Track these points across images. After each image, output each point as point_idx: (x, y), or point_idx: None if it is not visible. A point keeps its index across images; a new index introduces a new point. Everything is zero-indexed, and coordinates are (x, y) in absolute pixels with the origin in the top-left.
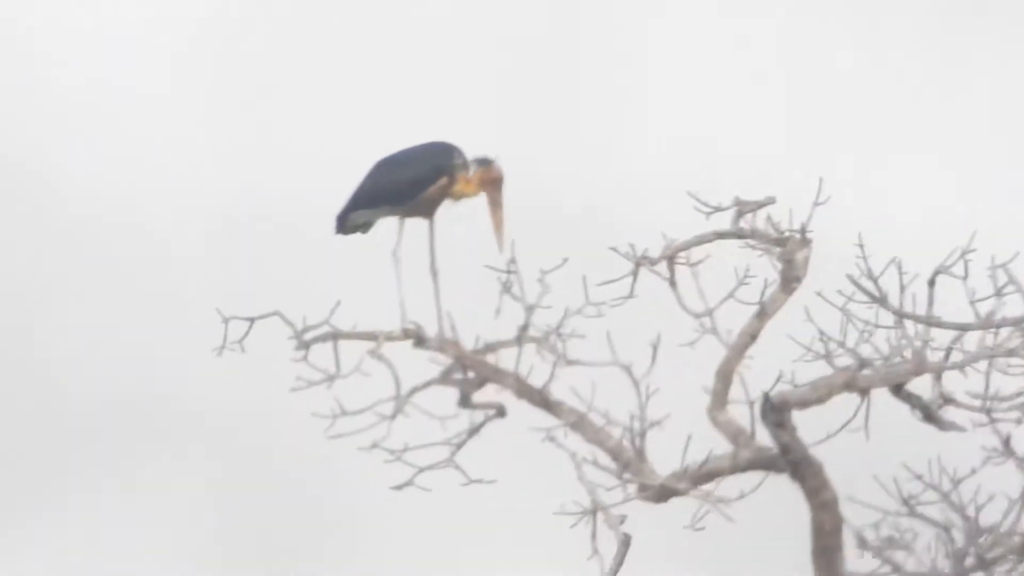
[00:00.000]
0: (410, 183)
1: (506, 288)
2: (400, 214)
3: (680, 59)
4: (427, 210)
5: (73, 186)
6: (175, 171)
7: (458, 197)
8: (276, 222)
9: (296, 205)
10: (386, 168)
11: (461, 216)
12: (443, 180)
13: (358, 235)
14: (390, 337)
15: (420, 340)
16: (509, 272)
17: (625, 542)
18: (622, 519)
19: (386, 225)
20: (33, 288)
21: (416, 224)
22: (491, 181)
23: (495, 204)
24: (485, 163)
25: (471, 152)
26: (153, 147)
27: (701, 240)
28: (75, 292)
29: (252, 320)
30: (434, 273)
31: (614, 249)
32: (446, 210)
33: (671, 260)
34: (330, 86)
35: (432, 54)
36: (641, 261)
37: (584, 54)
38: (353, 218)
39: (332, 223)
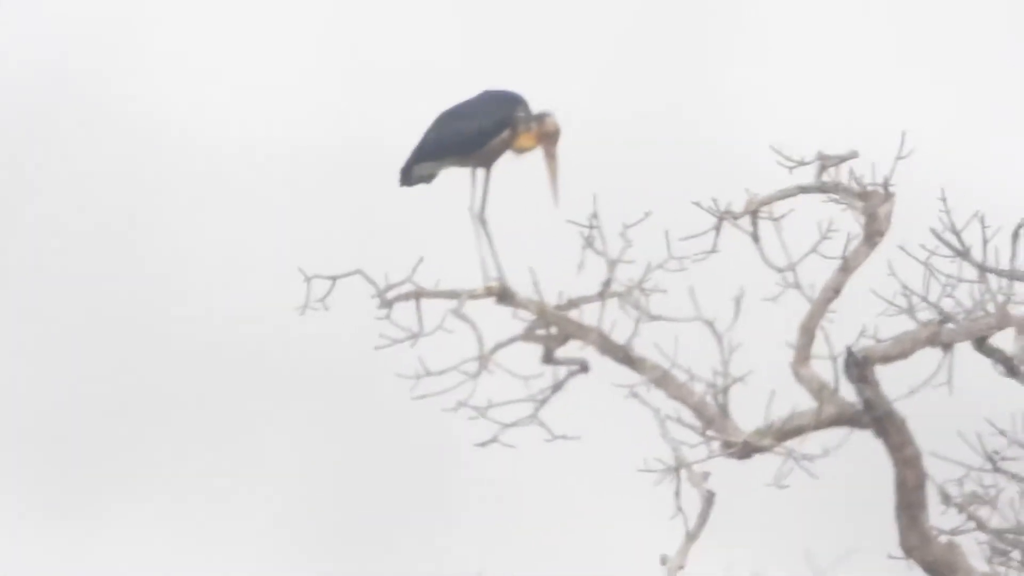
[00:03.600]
0: (474, 134)
1: (588, 243)
2: (463, 165)
3: (767, 12)
4: (489, 161)
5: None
6: (257, 126)
7: (521, 151)
8: (358, 177)
9: (379, 159)
10: (450, 119)
11: (542, 174)
12: (506, 132)
13: (435, 191)
14: (473, 295)
15: (503, 297)
16: (591, 227)
17: (708, 499)
18: (705, 476)
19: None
20: (135, 230)
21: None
22: (547, 135)
23: (550, 157)
24: (541, 117)
25: (537, 102)
26: (245, 99)
27: (784, 194)
28: (165, 248)
29: (334, 279)
30: (483, 221)
31: (697, 204)
32: (529, 165)
33: (754, 214)
34: (428, 42)
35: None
36: (724, 215)
37: (671, 6)
38: (417, 170)
39: (396, 176)
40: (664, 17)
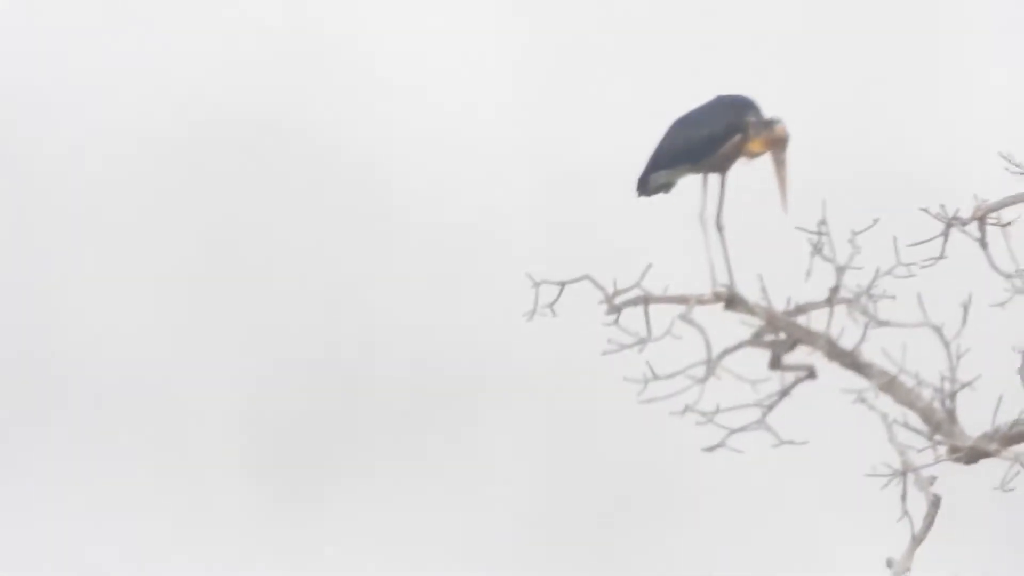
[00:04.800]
0: (705, 141)
1: (817, 249)
2: (698, 172)
3: (994, 16)
4: (722, 166)
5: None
6: (481, 134)
7: (751, 155)
8: (586, 186)
9: (605, 167)
10: (681, 127)
11: (771, 180)
12: (737, 137)
13: (663, 196)
14: (701, 300)
15: (731, 303)
16: (820, 233)
17: (935, 503)
18: (932, 480)
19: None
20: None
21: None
22: (775, 141)
23: (779, 163)
24: (771, 123)
25: (767, 109)
26: (465, 114)
27: (1013, 200)
28: (388, 259)
29: (563, 284)
30: (719, 227)
31: (925, 210)
32: (759, 170)
33: (982, 220)
34: (631, 46)
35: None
36: (952, 222)
37: (895, 8)
38: (654, 179)
39: (634, 186)
40: (888, 26)
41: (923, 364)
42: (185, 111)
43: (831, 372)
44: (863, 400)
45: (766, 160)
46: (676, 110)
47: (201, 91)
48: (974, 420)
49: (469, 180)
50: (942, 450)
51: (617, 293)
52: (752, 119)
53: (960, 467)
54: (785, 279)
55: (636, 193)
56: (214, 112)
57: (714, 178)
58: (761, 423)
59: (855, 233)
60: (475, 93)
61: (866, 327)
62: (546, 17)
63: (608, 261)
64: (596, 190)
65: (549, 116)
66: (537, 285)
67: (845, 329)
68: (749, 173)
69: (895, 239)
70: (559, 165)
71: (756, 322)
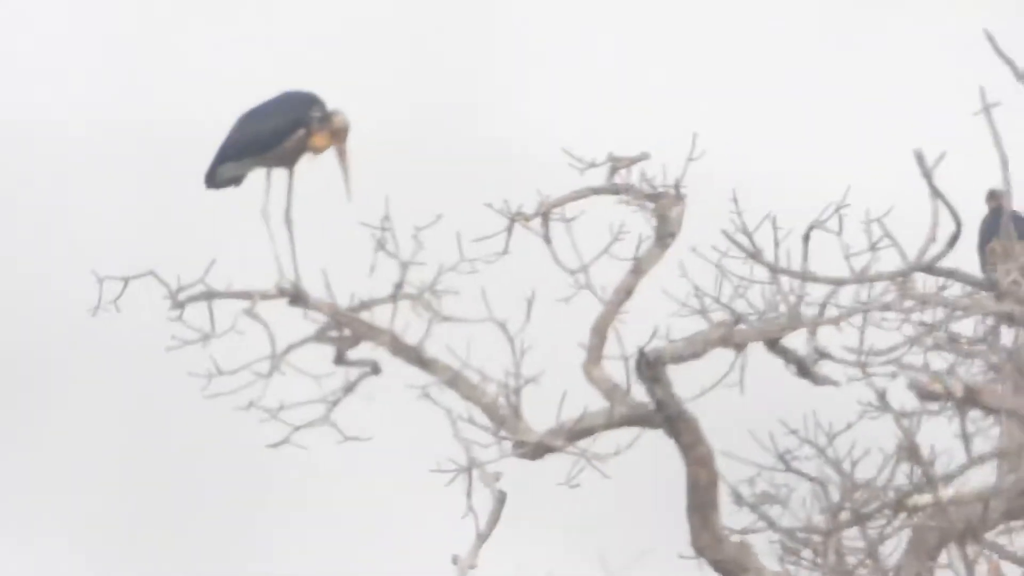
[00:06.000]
0: (269, 134)
1: (380, 245)
2: (264, 165)
3: (556, 14)
4: (289, 161)
5: None
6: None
7: (316, 150)
8: (152, 176)
9: (172, 158)
10: (247, 121)
11: (336, 173)
12: (301, 132)
13: (227, 190)
14: (265, 296)
15: (295, 298)
16: (383, 229)
17: (500, 499)
18: (497, 476)
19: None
20: None
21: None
22: (336, 132)
23: (341, 153)
24: (331, 115)
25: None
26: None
27: (576, 196)
28: None
29: (127, 280)
30: (288, 222)
31: (488, 205)
32: (325, 167)
33: (545, 216)
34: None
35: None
36: (515, 217)
37: (463, 9)
38: (221, 171)
39: (202, 178)
40: (455, 19)
41: (488, 360)
42: None
43: (396, 368)
44: (428, 396)
45: (331, 154)
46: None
47: None
48: (539, 415)
49: (39, 171)
50: (507, 446)
51: (181, 289)
52: (316, 114)
53: (526, 462)
54: (349, 275)
55: (204, 185)
56: None
57: (282, 173)
58: (326, 419)
59: (419, 229)
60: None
61: (430, 322)
62: None
63: (174, 257)
64: (167, 181)
65: (123, 104)
66: (101, 280)
67: (409, 325)
68: (314, 169)
69: (459, 235)
70: (128, 151)
71: (321, 318)
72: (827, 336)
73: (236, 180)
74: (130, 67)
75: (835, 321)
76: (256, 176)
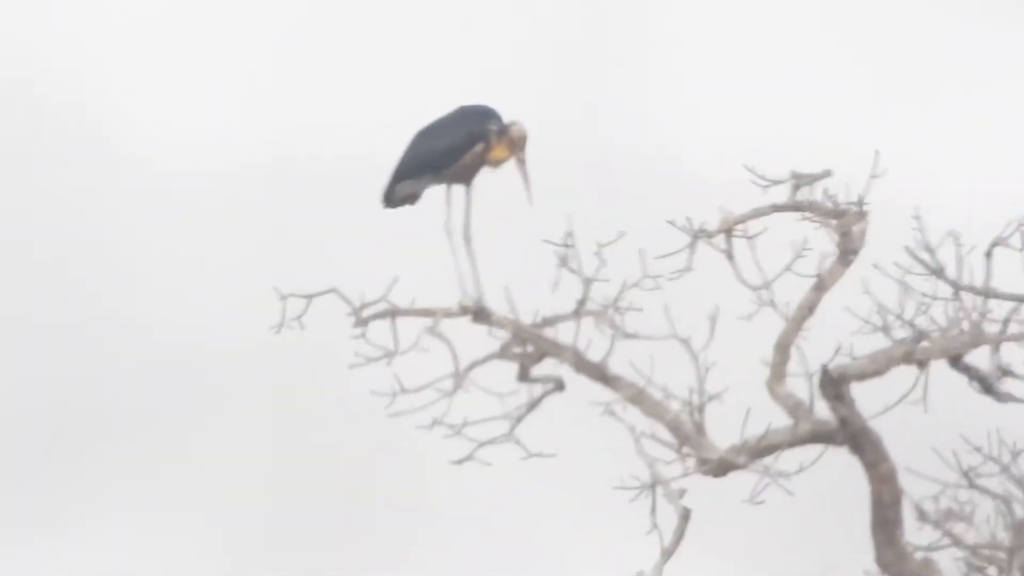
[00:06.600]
0: (446, 151)
1: (563, 262)
2: (442, 182)
3: (735, 31)
4: (466, 177)
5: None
6: (220, 139)
7: (495, 163)
8: (334, 198)
9: (352, 178)
10: (423, 138)
11: (516, 187)
12: (479, 146)
13: (410, 208)
14: (448, 313)
15: (478, 315)
16: (566, 246)
17: (684, 516)
18: (681, 493)
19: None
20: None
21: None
22: (515, 142)
23: (520, 162)
24: (508, 127)
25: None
26: (200, 115)
27: (758, 213)
28: (134, 271)
29: (310, 298)
30: (467, 239)
31: (671, 222)
32: (503, 184)
33: (728, 233)
34: (375, 51)
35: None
36: (699, 234)
37: (640, 29)
38: (398, 190)
39: (380, 197)
40: (623, 34)
41: (671, 376)
42: None
43: (579, 384)
44: (611, 412)
45: (510, 165)
46: (422, 119)
47: None
48: (722, 432)
49: (211, 192)
50: (691, 462)
51: (364, 306)
52: (493, 127)
53: (709, 480)
54: (532, 292)
55: (382, 204)
56: None
57: (459, 189)
58: (509, 436)
59: (601, 246)
60: (212, 99)
61: (613, 339)
62: (281, 19)
63: (355, 274)
64: (342, 201)
65: (292, 124)
66: (284, 298)
67: (593, 341)
68: (495, 185)
69: (642, 252)
70: (303, 175)
71: (504, 335)
72: (1010, 353)
73: (413, 198)
74: (303, 83)
75: (1018, 338)
76: (433, 193)
